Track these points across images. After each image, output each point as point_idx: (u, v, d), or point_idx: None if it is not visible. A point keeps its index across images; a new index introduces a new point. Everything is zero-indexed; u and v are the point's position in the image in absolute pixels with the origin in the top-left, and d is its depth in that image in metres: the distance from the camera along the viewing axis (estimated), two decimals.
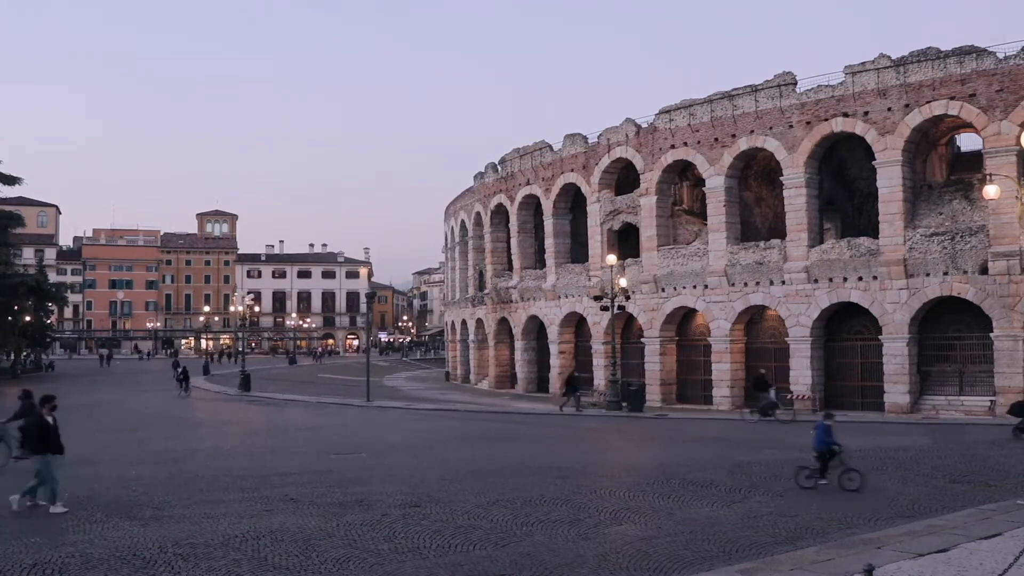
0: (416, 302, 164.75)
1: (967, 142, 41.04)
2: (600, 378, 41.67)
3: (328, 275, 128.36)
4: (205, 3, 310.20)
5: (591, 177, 44.02)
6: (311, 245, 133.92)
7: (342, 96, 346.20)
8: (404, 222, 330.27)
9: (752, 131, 36.53)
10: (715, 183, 37.88)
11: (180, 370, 44.09)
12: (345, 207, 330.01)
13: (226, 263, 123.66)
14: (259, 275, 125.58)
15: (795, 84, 35.59)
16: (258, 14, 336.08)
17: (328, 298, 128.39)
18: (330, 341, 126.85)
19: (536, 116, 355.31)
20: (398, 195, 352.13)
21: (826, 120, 34.32)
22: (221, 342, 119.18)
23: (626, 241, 43.37)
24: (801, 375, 34.95)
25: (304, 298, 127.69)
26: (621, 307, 37.13)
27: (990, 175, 25.12)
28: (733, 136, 37.21)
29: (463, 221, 60.60)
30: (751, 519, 11.71)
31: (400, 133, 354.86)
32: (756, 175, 40.23)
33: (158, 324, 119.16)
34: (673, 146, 39.59)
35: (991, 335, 30.45)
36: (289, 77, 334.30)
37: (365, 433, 26.99)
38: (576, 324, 46.60)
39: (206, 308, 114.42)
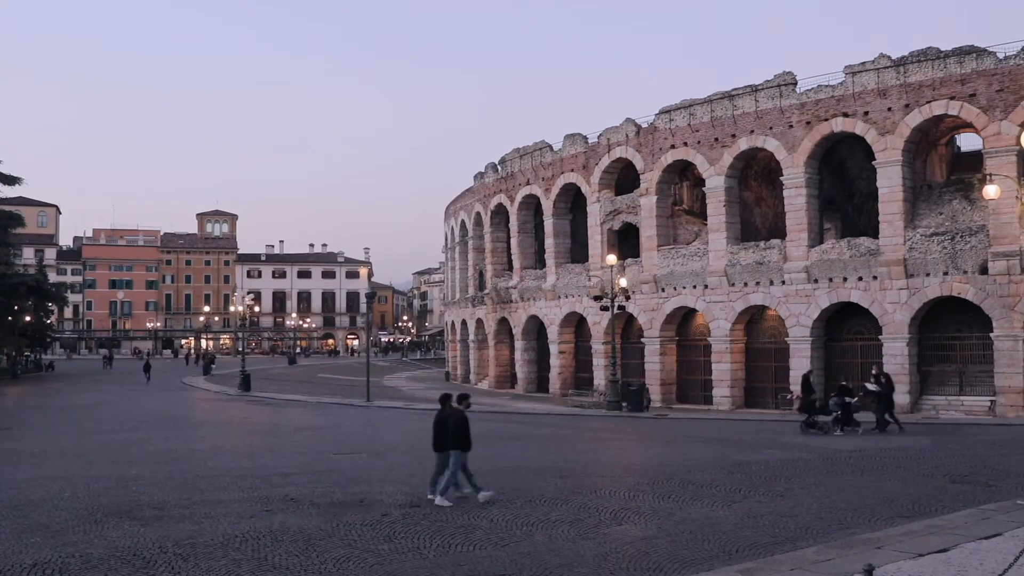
0: (416, 302, 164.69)
1: (967, 142, 41.06)
2: (600, 378, 41.66)
3: (328, 275, 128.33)
4: (205, 6, 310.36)
5: (591, 177, 44.00)
6: (311, 245, 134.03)
7: (343, 96, 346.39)
8: (404, 222, 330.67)
9: (752, 131, 36.52)
10: (715, 183, 37.87)
11: (144, 363, 58.94)
12: (345, 207, 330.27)
13: (226, 263, 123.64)
14: (259, 275, 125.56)
15: (795, 84, 35.58)
16: (258, 18, 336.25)
17: (328, 298, 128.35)
18: (330, 341, 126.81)
19: (536, 116, 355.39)
20: (398, 195, 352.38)
21: (826, 120, 34.31)
22: (221, 342, 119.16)
23: (626, 241, 43.36)
24: (801, 375, 34.84)
25: (304, 298, 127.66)
26: (621, 307, 37.11)
27: (990, 175, 25.07)
28: (733, 136, 37.21)
29: (463, 221, 60.58)
30: (751, 519, 11.70)
31: (401, 133, 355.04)
32: (756, 175, 40.22)
33: (158, 324, 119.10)
34: (673, 146, 39.58)
35: (991, 335, 30.45)
36: (290, 77, 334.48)
37: (365, 433, 26.98)
38: (576, 324, 46.59)
39: (206, 308, 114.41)
